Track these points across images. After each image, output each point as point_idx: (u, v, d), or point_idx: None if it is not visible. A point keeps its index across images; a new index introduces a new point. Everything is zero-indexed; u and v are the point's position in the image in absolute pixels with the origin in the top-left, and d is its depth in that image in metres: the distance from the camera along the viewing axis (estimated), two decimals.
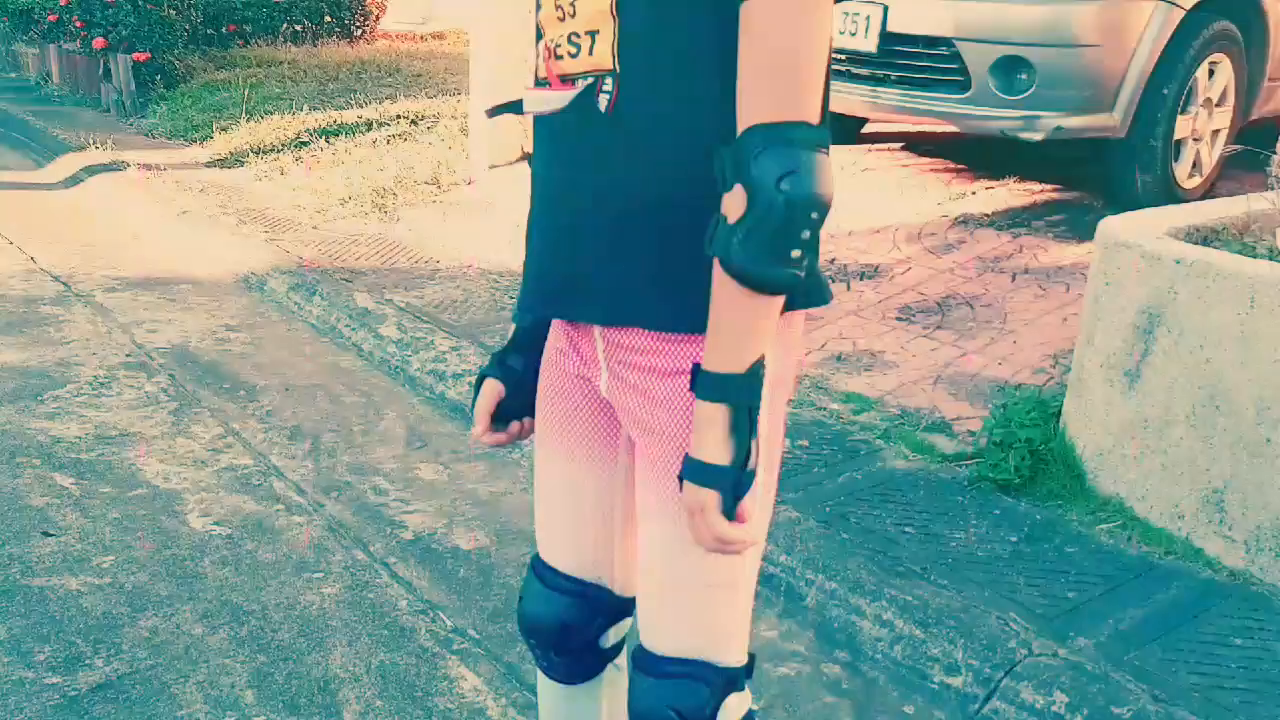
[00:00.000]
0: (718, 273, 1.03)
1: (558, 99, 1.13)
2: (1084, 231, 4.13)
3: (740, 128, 1.01)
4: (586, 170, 1.13)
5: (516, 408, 1.38)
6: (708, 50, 1.05)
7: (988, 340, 3.56)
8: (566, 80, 1.13)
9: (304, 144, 6.28)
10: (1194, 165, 4.44)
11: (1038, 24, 3.95)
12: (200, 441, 3.10)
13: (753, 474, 1.07)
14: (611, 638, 1.43)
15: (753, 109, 1.00)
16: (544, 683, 1.49)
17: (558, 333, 1.30)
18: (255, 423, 3.26)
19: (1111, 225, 2.72)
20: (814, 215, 0.99)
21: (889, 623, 2.29)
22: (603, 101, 1.10)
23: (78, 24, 7.81)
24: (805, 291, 1.14)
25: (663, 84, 1.07)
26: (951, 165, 5.13)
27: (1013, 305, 3.77)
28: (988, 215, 4.49)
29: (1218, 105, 4.41)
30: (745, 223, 0.99)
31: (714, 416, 1.05)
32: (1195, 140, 4.37)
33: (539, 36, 1.17)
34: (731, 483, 1.06)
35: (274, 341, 3.93)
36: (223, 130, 6.77)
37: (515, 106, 1.20)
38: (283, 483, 2.91)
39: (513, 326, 1.39)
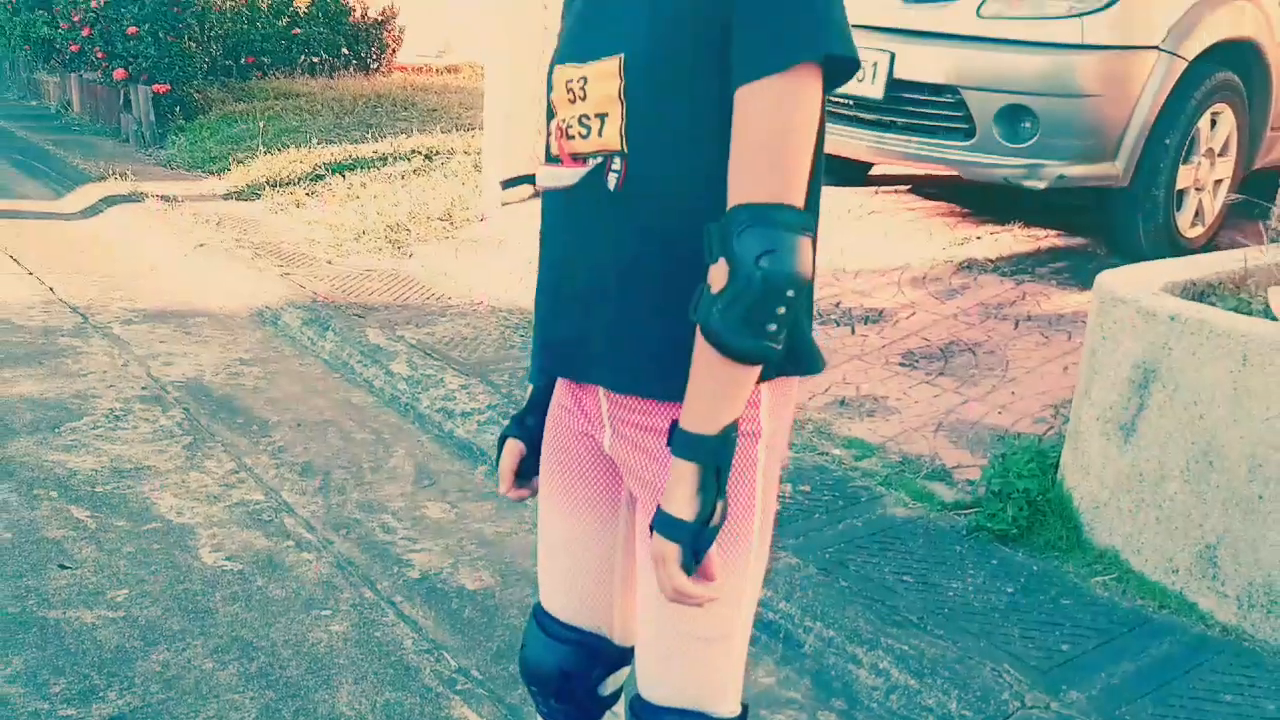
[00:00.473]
0: (699, 337, 1.10)
1: (569, 176, 1.19)
2: (1087, 279, 4.18)
3: (729, 205, 1.08)
4: (595, 243, 1.20)
5: (537, 464, 1.44)
6: (711, 134, 1.11)
7: (989, 388, 3.61)
8: (577, 158, 1.19)
9: (320, 178, 6.38)
10: (1196, 214, 4.49)
11: (1041, 74, 4.02)
12: (213, 476, 3.16)
13: (715, 531, 1.13)
14: (610, 686, 1.48)
15: (741, 189, 1.07)
16: None
17: (563, 390, 1.36)
18: (267, 458, 3.32)
19: (1108, 280, 2.78)
20: (790, 293, 1.06)
21: (885, 672, 2.33)
22: (611, 180, 1.17)
23: (99, 55, 7.94)
24: (797, 359, 1.20)
25: (668, 165, 1.14)
26: (957, 209, 5.19)
27: (1015, 352, 3.82)
28: (992, 260, 4.55)
29: (1220, 155, 4.47)
30: (726, 294, 1.06)
31: (685, 473, 1.12)
32: (1198, 190, 4.43)
33: (551, 115, 1.23)
34: (692, 537, 1.12)
35: (287, 376, 3.99)
36: (240, 162, 6.88)
37: (528, 179, 1.26)
38: (293, 519, 2.97)
39: (530, 388, 1.45)
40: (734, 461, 1.15)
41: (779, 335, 1.08)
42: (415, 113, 8.12)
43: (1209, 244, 4.51)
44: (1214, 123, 4.37)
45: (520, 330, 4.31)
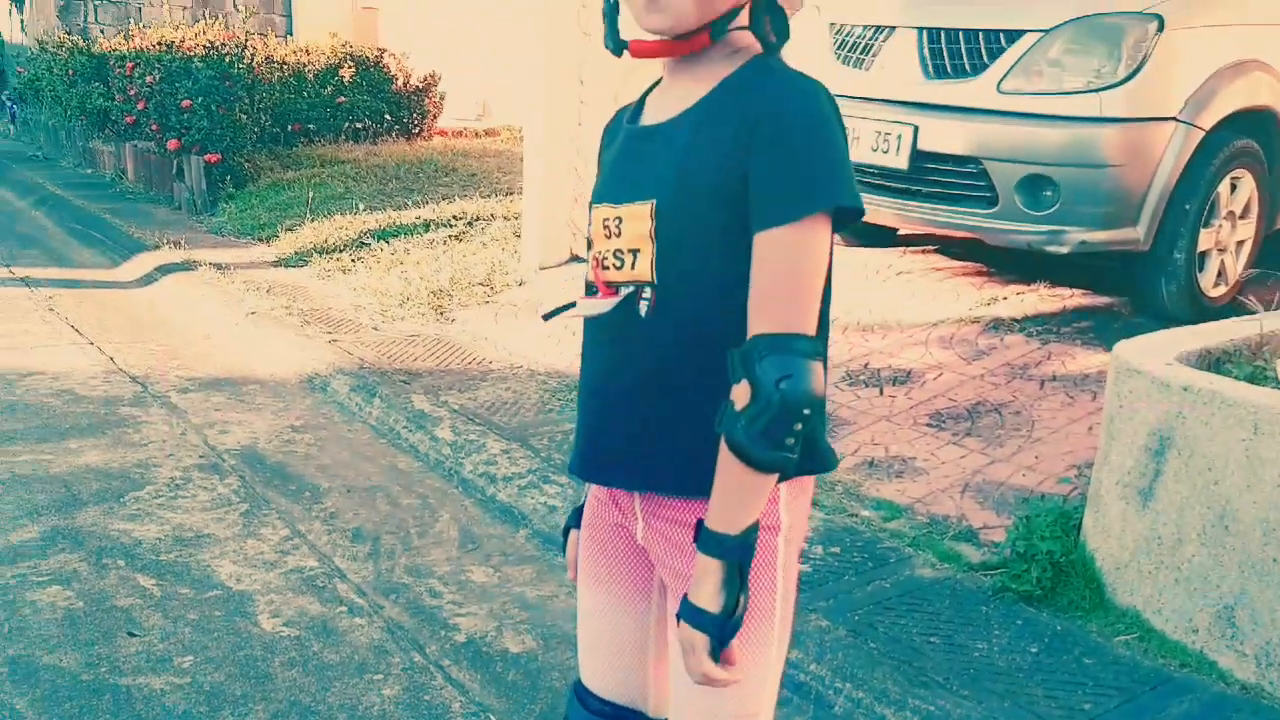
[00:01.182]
0: (723, 448, 1.24)
1: (605, 304, 1.35)
2: (1111, 338, 4.25)
3: (750, 334, 1.23)
4: (628, 362, 1.35)
5: None
6: (729, 269, 1.26)
7: (1015, 449, 3.71)
8: (612, 287, 1.34)
9: (364, 244, 6.60)
10: (1220, 274, 4.58)
11: (1062, 145, 4.15)
12: (269, 543, 3.32)
13: (739, 621, 1.27)
14: None
15: (761, 320, 1.22)
16: None
17: (600, 486, 1.50)
18: (319, 524, 3.48)
19: (1123, 351, 2.89)
20: (806, 411, 1.21)
21: None
22: (643, 307, 1.32)
23: (154, 128, 8.26)
24: (813, 459, 1.35)
25: (693, 296, 1.30)
26: (983, 269, 5.31)
27: (1040, 413, 3.92)
28: (1018, 320, 4.65)
29: (1241, 217, 4.57)
30: (749, 412, 1.21)
31: (711, 569, 1.26)
32: (1220, 251, 4.53)
33: (589, 246, 1.39)
34: (718, 628, 1.26)
35: (336, 443, 4.16)
36: (288, 229, 7.12)
37: (569, 307, 1.41)
38: (345, 584, 3.12)
39: (585, 487, 1.58)
40: (755, 555, 1.28)
41: (795, 447, 1.22)
42: (456, 178, 8.36)
43: (1233, 302, 4.59)
44: (1234, 187, 4.47)
45: (558, 394, 4.46)
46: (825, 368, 1.25)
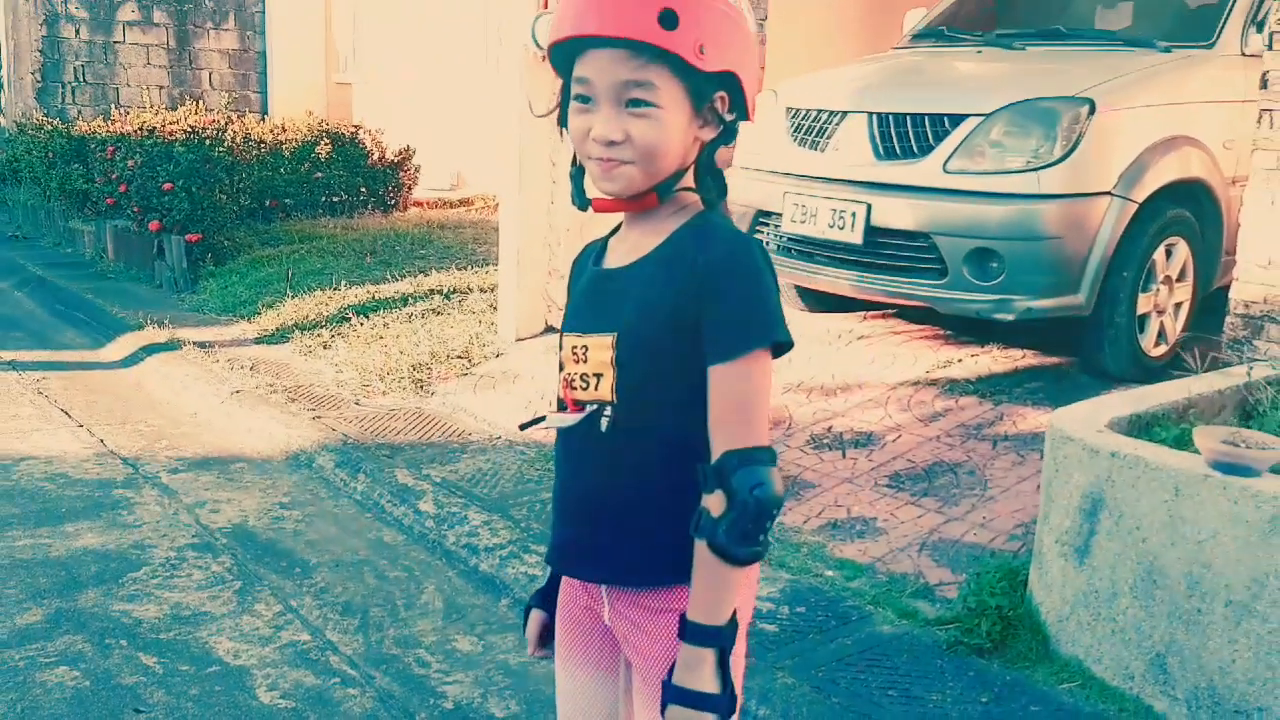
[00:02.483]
0: (702, 551, 1.45)
1: (571, 419, 1.57)
2: (1060, 399, 4.51)
3: (716, 450, 1.46)
4: (591, 470, 1.58)
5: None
6: (679, 392, 1.49)
7: (969, 507, 3.93)
8: (578, 405, 1.57)
9: (344, 319, 6.79)
10: (1160, 334, 4.85)
11: (1005, 220, 4.43)
12: (263, 619, 3.49)
13: (735, 699, 1.48)
14: None
15: (725, 438, 1.45)
16: None
17: None
18: (311, 599, 3.64)
19: (1059, 419, 3.13)
20: (775, 512, 1.44)
21: None
22: (603, 423, 1.55)
23: (136, 210, 8.46)
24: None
25: (645, 414, 1.52)
26: (940, 332, 5.56)
27: (992, 472, 4.15)
28: (972, 382, 4.90)
29: (1178, 281, 4.85)
30: (727, 518, 1.43)
31: (705, 656, 1.46)
32: (1159, 313, 4.80)
33: (561, 368, 1.61)
34: (726, 706, 1.47)
35: (323, 518, 4.34)
36: (268, 306, 7.31)
37: (541, 420, 1.63)
38: (338, 656, 3.28)
39: (548, 569, 1.79)
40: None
41: (765, 541, 1.45)
42: (432, 250, 8.59)
43: (1175, 360, 4.85)
44: (1169, 253, 4.76)
45: (535, 464, 4.66)
46: (778, 467, 1.48)
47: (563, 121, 1.57)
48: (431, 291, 7.19)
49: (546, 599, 1.78)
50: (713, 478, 1.44)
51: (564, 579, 1.72)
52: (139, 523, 4.21)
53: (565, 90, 1.54)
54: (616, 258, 1.59)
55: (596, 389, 1.54)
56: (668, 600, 1.54)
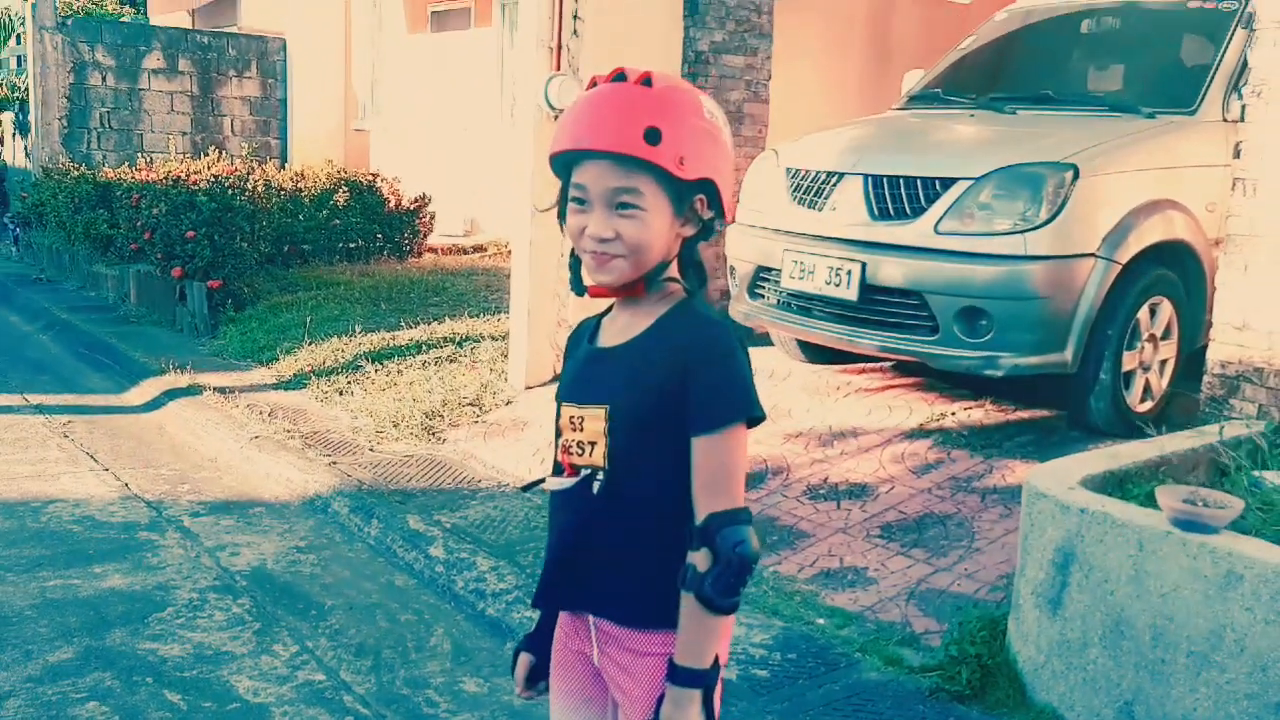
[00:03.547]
0: (689, 602, 1.65)
1: (567, 482, 1.78)
2: (1048, 453, 4.69)
3: (700, 512, 1.66)
4: (583, 526, 1.78)
5: (544, 670, 1.96)
6: (663, 461, 1.70)
7: (956, 558, 4.10)
8: (574, 469, 1.77)
9: (359, 366, 7.01)
10: (1146, 390, 5.02)
11: (993, 280, 4.62)
12: (281, 659, 3.67)
13: None
14: None
15: (709, 502, 1.66)
16: None
17: (565, 619, 1.91)
18: (326, 640, 3.83)
19: (1034, 476, 3.31)
20: (754, 566, 1.65)
21: None
22: (595, 486, 1.75)
23: (159, 256, 8.73)
24: None
25: (634, 479, 1.72)
26: (936, 384, 5.74)
27: (980, 524, 4.32)
28: (964, 435, 5.08)
29: (1163, 339, 5.03)
30: (713, 572, 1.64)
31: (691, 697, 1.67)
32: (1144, 370, 4.97)
33: (558, 435, 1.80)
34: None
35: (338, 562, 4.53)
36: (287, 352, 7.54)
37: (540, 482, 1.83)
38: (351, 696, 3.46)
39: (538, 613, 1.98)
40: None
41: (742, 592, 1.66)
42: (446, 297, 8.82)
43: (1161, 414, 5.02)
44: (1154, 312, 4.94)
45: (541, 510, 4.84)
46: (754, 528, 1.67)
47: (561, 218, 1.78)
48: (444, 339, 7.40)
49: (534, 643, 1.97)
50: (698, 537, 1.65)
51: (559, 624, 1.91)
52: (163, 565, 4.40)
53: (564, 192, 1.76)
54: (609, 337, 1.80)
55: (590, 455, 1.74)
56: (649, 644, 1.74)
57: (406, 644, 3.83)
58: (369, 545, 4.70)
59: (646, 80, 1.67)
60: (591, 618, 1.82)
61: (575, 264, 1.79)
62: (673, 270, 1.76)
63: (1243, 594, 2.74)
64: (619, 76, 1.69)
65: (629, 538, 1.73)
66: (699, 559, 1.64)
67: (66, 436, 6.13)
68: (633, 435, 1.71)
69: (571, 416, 1.78)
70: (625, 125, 1.65)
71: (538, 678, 1.97)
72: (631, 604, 1.74)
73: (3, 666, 3.54)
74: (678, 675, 1.67)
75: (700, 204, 1.73)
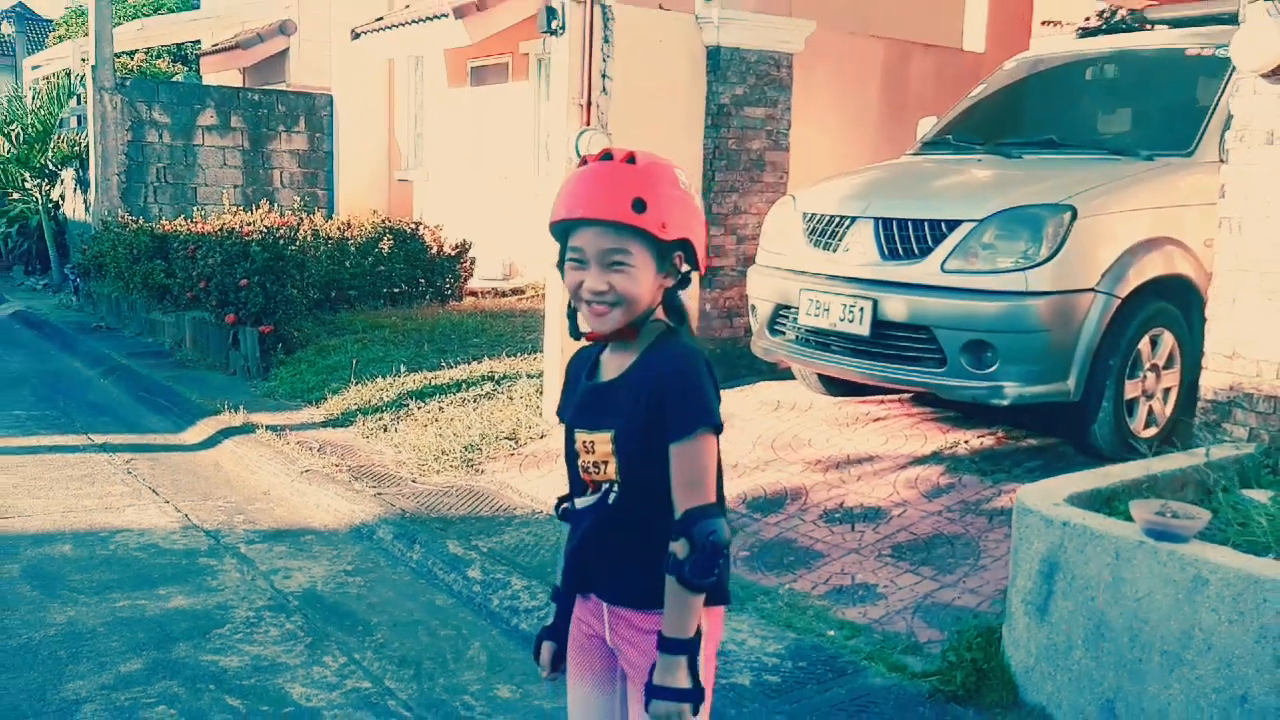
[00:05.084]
0: (672, 584, 1.97)
1: (591, 498, 2.12)
2: (1055, 476, 4.91)
3: (679, 508, 1.98)
4: (600, 528, 2.11)
5: (561, 655, 2.28)
6: (661, 469, 2.01)
7: (962, 574, 4.35)
8: (595, 486, 2.11)
9: (403, 404, 7.37)
10: (1150, 416, 5.25)
11: (997, 315, 4.89)
12: (331, 669, 3.98)
13: (704, 691, 1.98)
14: None
15: (685, 499, 1.98)
16: None
17: (579, 607, 2.23)
18: (371, 653, 4.13)
19: (1023, 493, 3.57)
20: (726, 550, 1.96)
21: None
22: (611, 497, 2.09)
23: (214, 304, 9.18)
24: (719, 594, 2.08)
25: (641, 488, 2.04)
26: (950, 416, 5.99)
27: (986, 543, 4.56)
28: (975, 461, 5.32)
29: (1165, 368, 5.26)
30: (690, 559, 1.95)
31: (679, 662, 1.98)
32: (1147, 398, 5.21)
33: (575, 457, 2.13)
34: (699, 696, 1.98)
35: (383, 584, 4.84)
36: (334, 392, 7.92)
37: (573, 505, 2.14)
38: (395, 701, 3.76)
39: (553, 608, 2.29)
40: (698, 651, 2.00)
41: (718, 575, 1.97)
42: (485, 338, 9.19)
43: (1167, 440, 5.24)
44: (1155, 343, 5.18)
45: None
46: (726, 519, 1.97)
47: (561, 273, 2.11)
48: (483, 377, 7.76)
49: (552, 632, 2.28)
50: (677, 529, 1.97)
51: (575, 615, 2.22)
52: (221, 587, 4.74)
53: (562, 253, 2.09)
54: (608, 372, 2.13)
55: (605, 471, 2.08)
56: (653, 623, 2.04)
57: (446, 656, 4.13)
58: (411, 568, 5.01)
59: (631, 158, 2.00)
60: (605, 604, 2.14)
61: (572, 314, 2.13)
62: (659, 314, 2.08)
63: (1209, 597, 2.98)
64: (606, 156, 2.02)
65: (638, 535, 2.05)
66: (678, 547, 1.96)
67: (130, 472, 6.52)
68: (636, 452, 2.03)
69: (584, 441, 2.11)
70: (616, 197, 1.98)
71: (559, 660, 2.28)
72: (638, 590, 2.06)
73: (80, 676, 3.88)
74: (665, 645, 1.98)
75: (678, 259, 2.07)
